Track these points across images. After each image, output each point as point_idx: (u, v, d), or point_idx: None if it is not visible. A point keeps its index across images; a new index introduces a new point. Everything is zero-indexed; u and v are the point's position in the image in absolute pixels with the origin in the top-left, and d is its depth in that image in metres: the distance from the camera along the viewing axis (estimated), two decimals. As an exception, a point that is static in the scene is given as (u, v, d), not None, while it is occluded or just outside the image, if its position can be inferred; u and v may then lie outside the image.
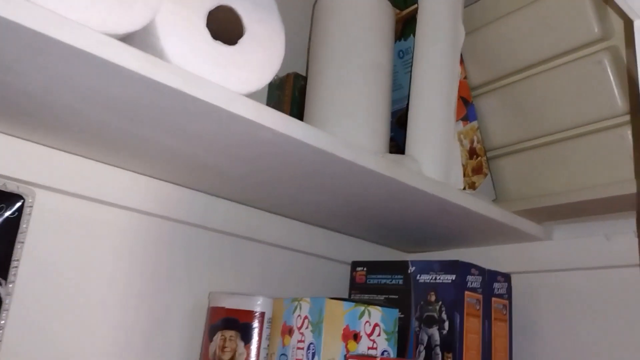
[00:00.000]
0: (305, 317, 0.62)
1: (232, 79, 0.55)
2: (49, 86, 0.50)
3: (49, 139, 0.64)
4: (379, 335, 0.63)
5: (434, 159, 0.76)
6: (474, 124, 0.87)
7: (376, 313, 0.64)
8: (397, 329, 0.66)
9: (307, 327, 0.61)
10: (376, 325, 0.63)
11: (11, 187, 0.63)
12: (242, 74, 0.56)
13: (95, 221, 0.70)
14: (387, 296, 0.83)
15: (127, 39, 0.49)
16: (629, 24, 0.70)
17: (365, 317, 0.63)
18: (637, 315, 0.76)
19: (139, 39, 0.50)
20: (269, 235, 0.86)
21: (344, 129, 0.73)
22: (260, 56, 0.57)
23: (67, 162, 0.67)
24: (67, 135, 0.62)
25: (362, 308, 0.63)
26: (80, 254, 0.68)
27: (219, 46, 0.54)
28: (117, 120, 0.56)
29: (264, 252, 0.86)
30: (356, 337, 0.61)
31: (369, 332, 0.62)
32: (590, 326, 0.80)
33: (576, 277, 0.84)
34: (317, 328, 0.60)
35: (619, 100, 0.72)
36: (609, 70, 0.72)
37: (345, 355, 0.58)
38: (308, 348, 0.60)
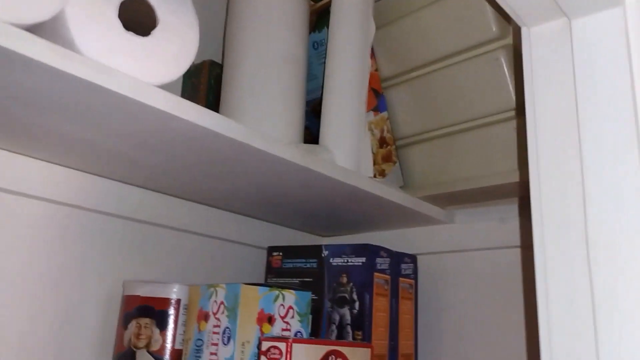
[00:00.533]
0: (221, 303, 0.64)
1: (145, 70, 0.55)
2: (-51, 74, 0.48)
3: (-51, 127, 0.61)
4: (292, 317, 0.66)
5: (345, 149, 0.79)
6: (384, 114, 0.91)
7: (290, 296, 0.67)
8: (310, 311, 0.69)
9: (222, 313, 0.63)
10: (290, 307, 0.66)
11: None
12: (156, 65, 0.56)
13: (6, 211, 0.68)
14: (302, 279, 0.86)
15: (35, 29, 0.48)
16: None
17: (280, 301, 0.66)
18: (528, 287, 0.84)
19: (48, 29, 0.49)
20: (184, 222, 0.86)
21: (260, 118, 0.75)
22: (174, 47, 0.58)
23: (-31, 150, 0.65)
24: (-31, 123, 0.59)
25: (276, 292, 0.65)
26: (-15, 245, 0.66)
27: (132, 37, 0.54)
28: (27, 112, 0.55)
29: (178, 239, 0.87)
30: (270, 320, 0.64)
31: (283, 314, 0.65)
32: (486, 300, 0.88)
33: (475, 257, 0.91)
34: (232, 313, 0.62)
35: (513, 95, 0.78)
36: (505, 67, 0.78)
37: (259, 338, 0.60)
38: (224, 332, 0.62)
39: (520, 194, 0.84)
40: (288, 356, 0.53)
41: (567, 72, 0.45)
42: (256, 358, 0.61)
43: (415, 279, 0.91)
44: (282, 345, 0.54)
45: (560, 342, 0.41)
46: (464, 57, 0.84)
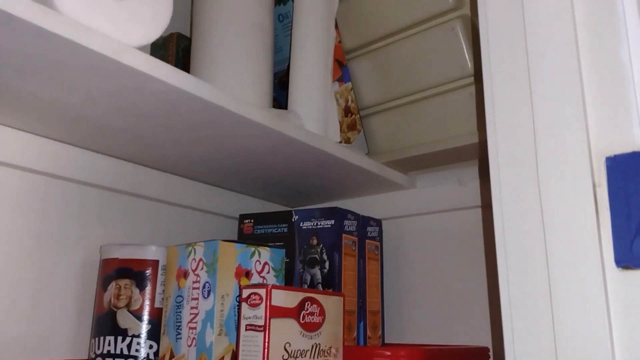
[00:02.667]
0: (200, 260, 0.66)
1: (122, 31, 0.57)
2: None
3: None
4: (268, 272, 0.70)
5: (313, 115, 0.82)
6: (349, 84, 0.95)
7: (265, 253, 0.70)
8: (284, 267, 0.73)
9: (202, 269, 0.66)
10: (265, 263, 0.70)
11: None
12: (132, 27, 0.58)
13: (-24, 179, 0.69)
14: (273, 244, 0.89)
15: (15, -13, 0.50)
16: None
17: (256, 257, 0.69)
18: (482, 248, 0.90)
19: (28, -12, 0.51)
20: (157, 192, 0.88)
21: (230, 86, 0.77)
22: (150, 10, 0.60)
23: (-58, 117, 0.65)
24: (-56, 88, 0.60)
25: (252, 249, 0.69)
26: (-39, 212, 0.67)
27: (109, 0, 0.56)
28: (4, 74, 0.56)
29: (153, 208, 0.89)
30: (248, 274, 0.67)
31: (259, 269, 0.69)
32: (448, 259, 0.93)
33: (436, 219, 0.97)
34: (211, 268, 0.65)
35: (469, 63, 0.83)
36: (461, 36, 0.83)
37: (239, 288, 0.63)
38: (203, 287, 0.65)
39: (480, 156, 0.89)
40: (268, 301, 0.57)
41: (518, 32, 0.49)
42: (235, 309, 0.64)
43: (381, 241, 0.95)
44: (262, 291, 0.57)
45: (517, 293, 0.46)
46: (422, 28, 0.88)
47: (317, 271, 0.85)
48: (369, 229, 0.93)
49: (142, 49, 0.59)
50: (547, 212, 0.45)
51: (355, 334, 0.86)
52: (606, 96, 0.45)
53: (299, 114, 0.81)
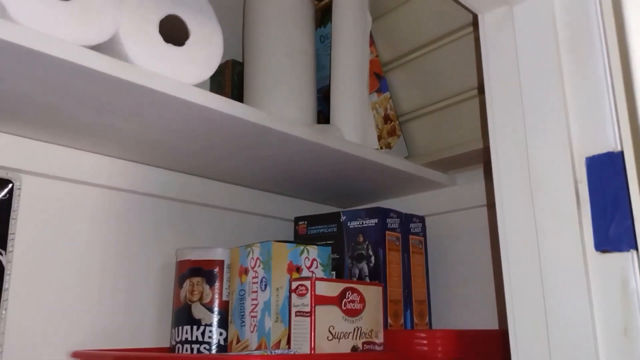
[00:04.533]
0: (257, 258, 0.78)
1: (182, 73, 0.69)
2: (35, 89, 0.63)
3: (31, 132, 0.76)
4: (316, 267, 0.80)
5: (352, 126, 0.92)
6: (387, 94, 1.04)
7: (313, 250, 0.80)
8: (331, 262, 0.83)
9: (259, 266, 0.77)
10: (314, 259, 0.80)
11: (1, 174, 0.75)
12: (190, 68, 0.70)
13: (73, 198, 0.83)
14: (325, 242, 1.00)
15: (98, 48, 0.63)
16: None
17: (305, 254, 0.79)
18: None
19: (108, 47, 0.64)
20: (220, 201, 1.01)
21: (279, 105, 0.88)
22: (204, 53, 0.72)
23: (46, 150, 0.80)
24: (47, 128, 0.74)
25: (301, 247, 0.79)
26: (62, 226, 0.81)
27: (170, 47, 0.68)
28: (91, 114, 0.70)
29: (218, 215, 1.01)
30: (298, 269, 0.78)
31: (308, 265, 0.79)
32: (487, 251, 1.00)
33: (476, 214, 1.04)
34: (267, 265, 0.76)
35: (493, 69, 0.90)
36: (484, 45, 0.90)
37: (290, 282, 0.74)
38: (261, 281, 0.76)
39: (485, 160, 0.96)
40: (312, 291, 0.67)
41: (511, 52, 0.57)
42: (288, 299, 0.75)
43: (424, 236, 1.04)
44: (307, 283, 0.67)
45: (515, 278, 0.54)
46: (451, 39, 0.96)
47: (364, 265, 0.95)
48: (412, 225, 1.02)
49: (198, 84, 0.71)
50: (537, 206, 0.53)
51: (402, 320, 0.95)
52: (585, 105, 0.52)
53: (338, 127, 0.91)
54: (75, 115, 0.70)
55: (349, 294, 0.71)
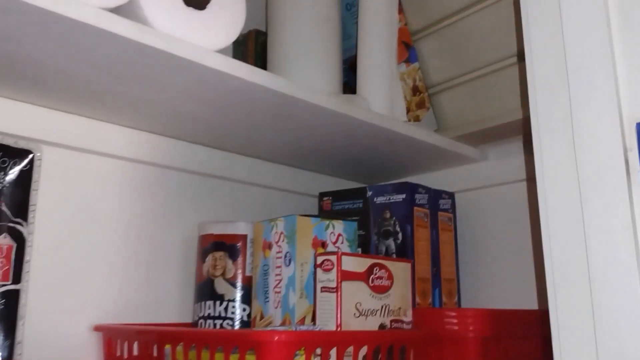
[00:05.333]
0: (281, 233, 0.75)
1: (204, 38, 0.66)
2: (53, 55, 0.61)
3: (51, 102, 0.74)
4: (342, 243, 0.77)
5: (380, 97, 0.89)
6: (416, 64, 0.99)
7: (339, 225, 0.78)
8: (357, 238, 0.80)
9: (283, 241, 0.75)
10: (339, 235, 0.77)
11: (22, 144, 0.74)
12: (212, 34, 0.67)
13: (94, 170, 0.81)
14: (350, 218, 0.97)
15: (117, 11, 0.60)
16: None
17: (330, 229, 0.77)
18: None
19: (126, 10, 0.61)
20: (244, 175, 0.98)
21: (304, 75, 0.85)
22: (226, 18, 0.69)
23: (67, 121, 0.78)
24: (67, 97, 0.72)
25: (327, 222, 0.76)
26: (84, 198, 0.80)
27: (191, 11, 0.65)
28: (109, 81, 0.67)
29: (239, 189, 0.99)
30: (323, 245, 0.75)
31: (334, 240, 0.77)
32: (519, 228, 0.96)
33: (508, 189, 1.00)
34: (291, 240, 0.74)
35: (530, 36, 0.85)
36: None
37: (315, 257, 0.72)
38: (285, 256, 0.74)
39: (524, 131, 0.91)
40: (339, 266, 0.64)
41: (555, 11, 0.53)
42: (313, 275, 0.73)
43: (454, 212, 1.00)
44: (333, 258, 0.65)
45: (558, 255, 0.50)
46: (485, 5, 0.91)
47: (391, 242, 0.92)
48: (441, 201, 0.98)
49: (223, 49, 0.68)
50: (582, 177, 0.49)
51: (431, 299, 0.92)
52: (635, 67, 0.48)
53: (365, 97, 0.87)
54: (94, 82, 0.68)
55: (376, 270, 0.68)
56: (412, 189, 0.92)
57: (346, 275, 0.64)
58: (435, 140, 0.93)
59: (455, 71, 0.99)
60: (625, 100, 0.48)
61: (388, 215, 0.93)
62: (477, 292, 1.01)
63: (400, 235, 0.91)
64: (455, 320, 0.71)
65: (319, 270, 0.66)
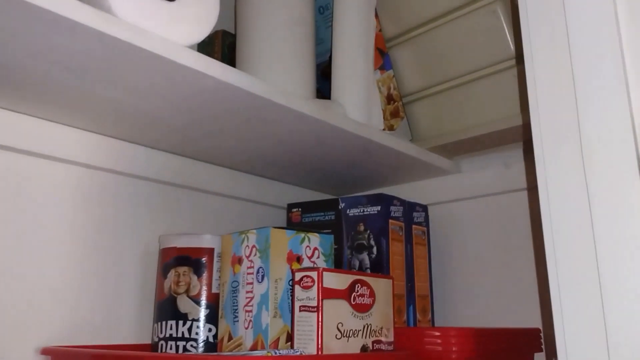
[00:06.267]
0: (253, 246, 0.69)
1: (173, 32, 0.60)
2: (1, 45, 0.54)
3: (-5, 98, 0.66)
4: (318, 257, 0.72)
5: (356, 104, 0.84)
6: (390, 72, 0.96)
7: (315, 239, 0.73)
8: (333, 252, 0.75)
9: (255, 255, 0.69)
10: (315, 249, 0.72)
11: (-39, 146, 0.65)
12: (183, 27, 0.61)
13: (45, 176, 0.74)
14: (322, 231, 0.92)
15: (77, -4, 0.53)
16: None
17: (306, 243, 0.71)
18: (534, 228, 0.90)
19: (89, -4, 0.55)
20: (207, 184, 0.92)
21: (277, 78, 0.80)
22: (199, 11, 0.63)
23: (15, 120, 0.70)
24: (15, 93, 0.65)
25: (302, 235, 0.71)
26: (32, 206, 0.72)
27: (161, 2, 0.59)
28: (66, 76, 0.60)
29: (204, 199, 0.93)
30: (299, 259, 0.70)
31: (309, 254, 0.71)
32: (494, 243, 0.94)
33: (482, 203, 0.97)
34: (264, 254, 0.68)
35: (511, 45, 0.83)
36: (502, 18, 0.83)
37: (292, 271, 0.66)
38: (257, 272, 0.68)
39: (525, 138, 0.89)
40: (320, 283, 0.59)
41: (559, 11, 0.50)
42: (288, 293, 0.67)
43: (427, 226, 0.96)
44: (313, 274, 0.60)
45: (565, 271, 0.46)
46: (462, 12, 0.88)
47: (365, 256, 0.87)
48: (415, 214, 0.94)
49: (190, 47, 0.63)
50: (591, 184, 0.46)
51: (405, 317, 0.87)
52: (649, 70, 0.45)
53: (341, 103, 0.83)
54: (48, 78, 0.61)
55: (358, 287, 0.63)
56: (387, 201, 0.88)
57: (327, 293, 0.59)
58: (411, 150, 0.89)
59: (430, 80, 0.96)
60: (636, 98, 0.45)
61: (362, 228, 0.88)
62: (451, 309, 0.98)
63: (375, 250, 0.86)
64: (438, 341, 0.67)
65: (297, 287, 0.61)
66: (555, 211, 0.48)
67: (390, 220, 0.88)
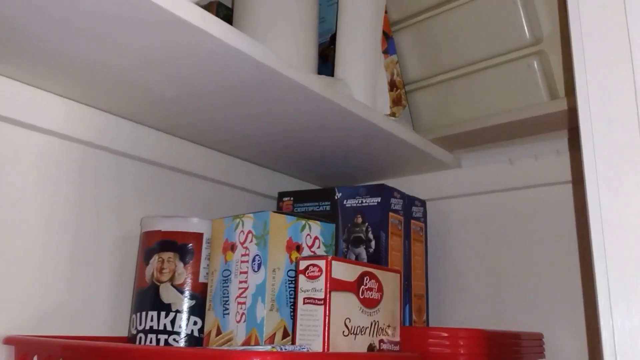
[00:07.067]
0: (249, 232, 0.63)
1: (176, -15, 0.53)
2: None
3: (-37, 50, 0.58)
4: (318, 247, 0.66)
5: (362, 86, 0.79)
6: (394, 57, 0.91)
7: (316, 227, 0.66)
8: (334, 242, 0.69)
9: (251, 241, 0.62)
10: (316, 237, 0.66)
11: None
12: (186, -18, 0.54)
13: (17, 146, 0.66)
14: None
15: None
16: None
17: (307, 231, 0.65)
18: (537, 228, 0.86)
19: None
20: (196, 166, 0.85)
21: (278, 50, 0.74)
22: (204, -35, 0.56)
23: (-18, 77, 0.62)
24: (-13, 44, 0.57)
25: (303, 222, 0.65)
26: (3, 179, 0.64)
27: (164, -51, 0.52)
28: (50, 34, 0.53)
29: (189, 183, 0.86)
30: (298, 248, 0.64)
31: (309, 244, 0.65)
32: (493, 242, 0.89)
33: (483, 200, 0.92)
34: (262, 240, 0.61)
35: (527, 32, 0.79)
36: (519, 2, 0.79)
37: (297, 259, 0.60)
38: (253, 260, 0.62)
39: (569, 126, 0.81)
40: (328, 273, 0.53)
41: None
42: (287, 284, 0.61)
43: (425, 222, 0.91)
44: (321, 263, 0.53)
45: (617, 280, 0.42)
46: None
47: (362, 250, 0.81)
48: (414, 209, 0.89)
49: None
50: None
51: (401, 317, 0.82)
52: None
53: (347, 84, 0.77)
54: (30, 35, 0.53)
55: (366, 280, 0.57)
56: (388, 193, 0.82)
57: (336, 285, 0.53)
58: (416, 141, 0.84)
59: (435, 68, 0.91)
60: None
61: (360, 220, 0.82)
62: (445, 310, 0.93)
63: (373, 244, 0.81)
64: (447, 342, 0.62)
65: (301, 277, 0.54)
66: (607, 206, 0.43)
67: (390, 213, 0.82)
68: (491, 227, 0.91)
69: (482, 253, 0.91)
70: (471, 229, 0.93)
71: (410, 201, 0.88)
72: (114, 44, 0.56)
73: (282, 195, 0.91)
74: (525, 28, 0.79)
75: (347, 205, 0.84)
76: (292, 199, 0.90)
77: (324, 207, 0.86)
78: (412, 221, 0.88)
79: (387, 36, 0.90)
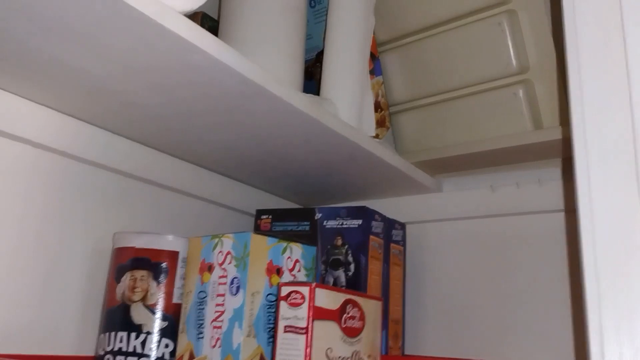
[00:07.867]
0: (228, 253, 0.61)
1: (164, -5, 0.51)
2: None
3: None
4: (299, 271, 0.64)
5: (348, 105, 0.77)
6: (380, 78, 0.90)
7: (297, 250, 0.64)
8: (315, 266, 0.67)
9: (229, 263, 0.60)
10: (297, 261, 0.64)
11: None
12: (175, -9, 0.52)
13: (-17, 151, 0.62)
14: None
15: None
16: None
17: (287, 253, 0.63)
18: (517, 255, 0.85)
19: None
20: (172, 179, 0.82)
21: (264, 68, 0.72)
22: (195, -25, 0.54)
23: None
24: (-41, 45, 0.54)
25: (284, 244, 0.63)
26: (-35, 186, 0.60)
27: (154, -43, 0.50)
28: (31, 34, 0.50)
29: (163, 196, 0.83)
30: (279, 272, 0.62)
31: (290, 267, 0.63)
32: (472, 269, 0.88)
33: (463, 225, 0.92)
34: (242, 262, 0.59)
35: (514, 60, 0.79)
36: (507, 31, 0.79)
37: (269, 286, 0.58)
38: (232, 282, 0.59)
39: (563, 155, 0.80)
40: (311, 301, 0.51)
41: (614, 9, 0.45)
42: (266, 309, 0.59)
43: (404, 246, 0.90)
44: (304, 290, 0.51)
45: (610, 312, 0.41)
46: (464, 22, 0.83)
47: (340, 273, 0.79)
48: (393, 232, 0.88)
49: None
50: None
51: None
52: None
53: (334, 103, 0.76)
54: (8, 34, 0.50)
55: (349, 308, 0.55)
56: (369, 215, 0.81)
57: (319, 314, 0.51)
58: (399, 164, 0.83)
59: (420, 92, 0.91)
60: None
61: (340, 242, 0.81)
62: (421, 336, 0.91)
63: (352, 267, 0.79)
64: (427, 373, 0.60)
65: (283, 304, 0.52)
66: (601, 235, 0.42)
67: (370, 236, 0.81)
68: (471, 252, 0.90)
69: (462, 278, 0.90)
70: (450, 253, 0.92)
71: (390, 224, 0.87)
72: (98, 51, 0.53)
73: (260, 212, 0.89)
74: (512, 56, 0.79)
75: (327, 226, 0.82)
76: (270, 217, 0.87)
77: (303, 227, 0.84)
78: (392, 244, 0.87)
79: (373, 57, 0.89)
